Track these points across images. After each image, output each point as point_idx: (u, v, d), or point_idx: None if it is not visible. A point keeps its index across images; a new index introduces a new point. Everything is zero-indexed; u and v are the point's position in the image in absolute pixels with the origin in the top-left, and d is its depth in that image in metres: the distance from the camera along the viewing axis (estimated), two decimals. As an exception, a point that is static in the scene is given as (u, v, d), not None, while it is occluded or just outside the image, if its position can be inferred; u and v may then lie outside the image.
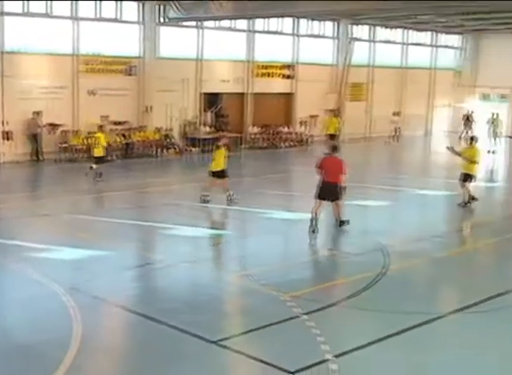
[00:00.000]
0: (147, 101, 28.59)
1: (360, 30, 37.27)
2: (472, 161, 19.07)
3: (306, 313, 10.27)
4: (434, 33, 41.24)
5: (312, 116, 34.88)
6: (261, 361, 8.69)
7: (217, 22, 30.19)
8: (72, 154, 26.56)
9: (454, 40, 42.74)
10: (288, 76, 34.05)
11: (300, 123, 34.36)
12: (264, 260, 13.54)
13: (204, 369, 8.61)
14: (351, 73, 36.02)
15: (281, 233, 16.34)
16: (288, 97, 34.52)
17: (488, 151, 32.11)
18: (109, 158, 24.40)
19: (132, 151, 27.74)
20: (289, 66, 34.03)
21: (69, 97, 26.86)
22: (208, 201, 18.60)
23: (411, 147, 35.48)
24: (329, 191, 15.70)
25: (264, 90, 33.01)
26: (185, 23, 29.36)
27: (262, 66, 32.88)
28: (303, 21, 33.94)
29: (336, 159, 15.96)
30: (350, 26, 36.00)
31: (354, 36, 36.46)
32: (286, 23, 33.41)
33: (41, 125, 25.93)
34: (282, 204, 19.46)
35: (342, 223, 16.06)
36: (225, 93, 31.72)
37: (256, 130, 32.54)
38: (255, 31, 32.25)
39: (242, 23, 31.46)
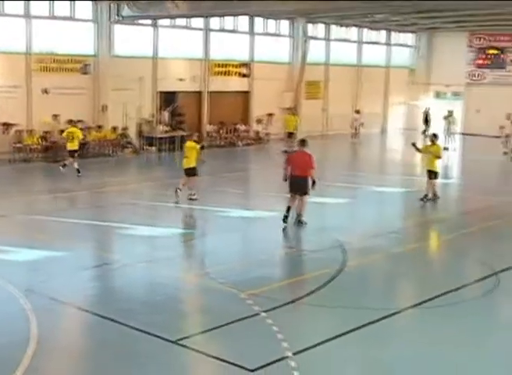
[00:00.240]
0: (102, 100, 28.33)
1: (316, 29, 37.43)
2: (437, 156, 19.42)
3: (265, 311, 10.29)
4: (388, 32, 41.64)
5: (269, 114, 34.96)
6: (221, 360, 8.69)
7: (172, 20, 30.04)
8: (27, 154, 26.18)
9: (408, 38, 43.23)
10: (244, 75, 34.07)
11: (257, 121, 34.40)
12: (222, 259, 13.53)
13: (164, 369, 8.57)
14: (307, 71, 36.18)
15: (239, 232, 16.35)
16: (245, 95, 34.54)
17: (444, 148, 32.54)
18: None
19: (88, 150, 27.41)
20: (245, 65, 34.05)
21: (22, 96, 26.46)
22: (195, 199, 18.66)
23: (370, 144, 35.78)
24: (297, 185, 15.92)
25: (221, 88, 32.99)
26: (140, 22, 29.16)
27: (219, 65, 32.84)
28: (258, 20, 33.98)
29: (304, 154, 16.13)
30: (305, 24, 36.11)
31: (310, 34, 36.60)
32: (242, 22, 33.39)
33: (-6, 125, 25.54)
34: (241, 202, 19.48)
35: (300, 222, 16.12)
36: (182, 91, 31.59)
37: (212, 128, 32.46)
38: (211, 30, 32.18)
39: (198, 22, 31.36)
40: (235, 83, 33.81)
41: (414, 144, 20.46)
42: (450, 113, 35.42)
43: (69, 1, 27.10)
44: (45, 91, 26.70)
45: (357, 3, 22.07)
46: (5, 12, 25.65)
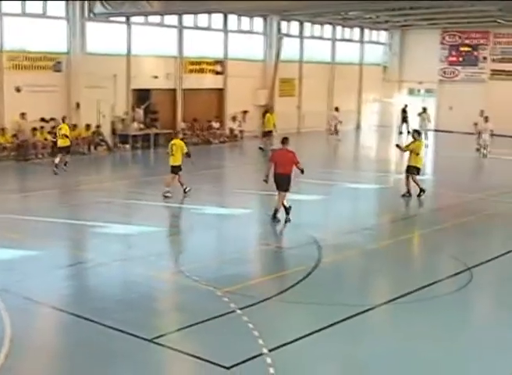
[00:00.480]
0: (75, 97, 28.09)
1: (290, 26, 37.47)
2: (417, 153, 19.65)
3: (241, 308, 10.31)
4: (361, 30, 41.81)
5: (243, 112, 34.96)
6: (198, 357, 8.70)
7: (146, 17, 29.87)
8: (-1, 152, 25.96)
9: (381, 36, 43.45)
10: (218, 72, 34.02)
11: (232, 118, 34.37)
12: (198, 256, 13.52)
13: (140, 368, 8.56)
14: (281, 68, 36.21)
15: (215, 229, 16.36)
16: (219, 92, 34.49)
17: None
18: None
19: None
20: (219, 62, 34.00)
21: (-6, 94, 26.23)
22: (167, 197, 18.78)
23: (345, 141, 35.80)
24: (280, 182, 16.18)
25: (195, 86, 32.91)
26: (113, 19, 28.97)
27: (193, 62, 32.75)
28: (232, 17, 33.94)
29: (286, 151, 16.34)
30: (279, 22, 36.14)
31: (284, 32, 36.65)
32: (216, 19, 33.33)
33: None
34: (216, 200, 19.49)
35: (274, 217, 16.21)
36: (156, 89, 31.47)
37: (185, 125, 32.35)
38: (185, 27, 32.08)
39: (171, 19, 31.24)
40: (209, 81, 33.75)
41: (398, 146, 20.75)
42: (424, 110, 35.68)
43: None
44: (17, 90, 26.44)
45: (328, 2, 22.26)
46: (-24, 10, 25.40)
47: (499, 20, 36.07)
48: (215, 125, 33.33)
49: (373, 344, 9.40)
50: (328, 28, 39.65)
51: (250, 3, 23.40)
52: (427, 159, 30.86)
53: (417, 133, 20.51)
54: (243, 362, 8.54)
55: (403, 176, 20.13)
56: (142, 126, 30.32)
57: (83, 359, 8.73)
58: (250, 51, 35.58)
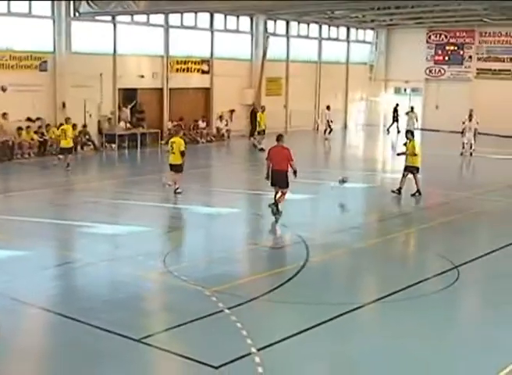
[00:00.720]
0: (61, 97, 27.99)
1: (277, 26, 37.47)
2: (411, 154, 19.81)
3: (229, 308, 10.30)
4: (348, 29, 41.87)
5: (230, 111, 34.94)
6: (186, 357, 8.69)
7: (132, 16, 29.79)
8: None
9: (368, 35, 43.52)
10: (205, 71, 33.98)
11: (219, 117, 34.33)
12: (186, 256, 13.53)
13: (128, 368, 8.54)
14: (268, 67, 36.23)
15: (203, 228, 16.34)
16: (206, 92, 34.46)
17: (404, 144, 32.81)
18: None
19: (46, 148, 27.03)
20: (206, 61, 33.95)
21: (-21, 94, 26.08)
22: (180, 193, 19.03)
23: (333, 140, 35.86)
24: (277, 179, 16.41)
25: (182, 85, 32.87)
26: (99, 18, 28.87)
27: (179, 61, 32.69)
28: (219, 16, 33.90)
29: (281, 148, 16.54)
30: (265, 21, 36.14)
31: (270, 31, 36.66)
32: (202, 18, 33.28)
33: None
34: (204, 199, 19.46)
35: (276, 211, 16.33)
36: (142, 88, 31.40)
37: (171, 125, 32.26)
38: (171, 26, 32.02)
39: (157, 18, 31.18)
40: (196, 80, 33.71)
41: (400, 154, 20.89)
42: (412, 109, 35.78)
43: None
44: (2, 89, 26.30)
45: (314, 2, 22.34)
46: (-39, 9, 25.23)
47: (485, 19, 36.28)
48: (202, 124, 33.28)
49: (361, 343, 9.42)
50: (314, 27, 39.69)
51: (236, 2, 23.42)
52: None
53: (409, 134, 20.65)
54: (232, 361, 8.54)
55: (401, 174, 20.15)
56: (128, 125, 30.25)
57: (71, 360, 8.69)
58: (237, 51, 35.56)
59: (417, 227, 16.53)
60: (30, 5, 26.94)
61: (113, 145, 29.03)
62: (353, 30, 42.30)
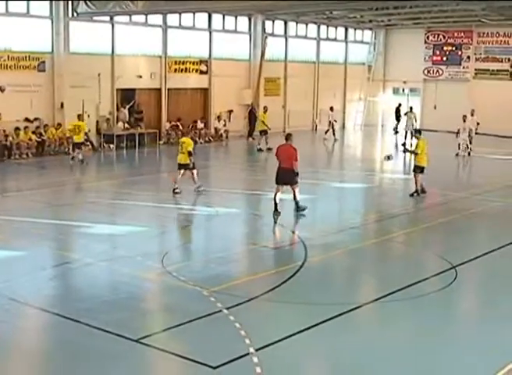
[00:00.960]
0: (59, 97, 27.99)
1: (275, 26, 37.47)
2: (419, 152, 19.95)
3: (227, 308, 10.30)
4: (346, 29, 41.88)
5: (228, 111, 34.95)
6: (184, 357, 8.69)
7: (130, 17, 29.78)
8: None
9: (366, 35, 43.53)
10: (203, 72, 33.98)
11: (217, 118, 34.32)
12: (184, 256, 13.53)
13: (126, 368, 8.54)
14: (266, 68, 36.23)
15: (201, 229, 16.34)
16: (204, 92, 34.46)
17: (402, 144, 32.84)
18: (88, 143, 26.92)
19: (44, 148, 27.00)
20: (204, 62, 33.94)
21: (-22, 94, 26.08)
22: (178, 193, 19.23)
23: (332, 141, 35.90)
24: (283, 176, 16.70)
25: (180, 85, 32.88)
26: (97, 18, 28.87)
27: (177, 62, 32.69)
28: (217, 16, 33.90)
29: (288, 147, 16.86)
30: (263, 21, 36.13)
31: (269, 31, 36.66)
32: (200, 19, 33.28)
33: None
34: (202, 199, 19.43)
35: (298, 207, 16.83)
36: (141, 88, 31.41)
37: (169, 125, 32.26)
38: (169, 26, 32.02)
39: (156, 18, 31.17)
40: (194, 80, 33.72)
41: (407, 151, 20.94)
42: (411, 109, 35.78)
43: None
44: (1, 89, 26.29)
45: (313, 2, 22.37)
46: (-41, 9, 25.21)
47: (482, 19, 36.30)
48: (200, 125, 33.27)
49: (360, 343, 9.42)
50: (312, 27, 39.71)
51: (234, 3, 23.40)
52: (412, 158, 31.08)
53: (418, 133, 20.73)
54: (230, 361, 8.54)
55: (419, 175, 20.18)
56: (127, 125, 30.24)
57: (69, 360, 8.69)
58: (235, 51, 35.57)
59: (415, 227, 16.54)
60: (28, 5, 26.95)
61: (111, 145, 29.00)
62: (351, 31, 42.33)
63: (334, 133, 35.29)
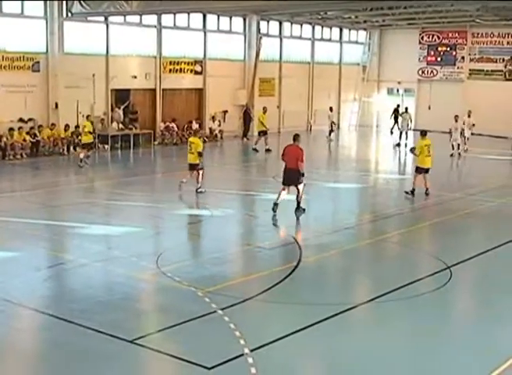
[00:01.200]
0: (53, 97, 27.95)
1: (270, 26, 37.47)
2: (423, 154, 20.25)
3: (222, 308, 10.29)
4: (340, 29, 41.91)
5: (223, 112, 34.94)
6: (179, 358, 8.67)
7: (125, 17, 29.75)
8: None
9: (360, 36, 43.58)
10: (198, 72, 33.96)
11: (212, 118, 34.30)
12: (179, 257, 13.49)
13: (121, 369, 8.52)
14: (261, 68, 36.24)
15: (196, 229, 16.33)
16: (198, 92, 34.45)
17: (398, 145, 32.91)
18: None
19: (38, 149, 26.94)
20: (199, 62, 33.92)
21: (-28, 94, 26.02)
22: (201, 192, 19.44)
23: (326, 141, 35.93)
24: (289, 177, 16.85)
25: (175, 85, 32.87)
26: (92, 18, 28.84)
27: (172, 62, 32.68)
28: (211, 17, 33.89)
29: (295, 148, 17.04)
30: (258, 22, 36.13)
31: (263, 31, 36.66)
32: (195, 19, 33.26)
33: None
34: (197, 200, 19.41)
35: (299, 208, 16.91)
36: (135, 89, 31.38)
37: (164, 126, 32.22)
38: (164, 27, 32.01)
39: (150, 19, 31.15)
40: (189, 81, 33.71)
41: (412, 150, 21.00)
42: (406, 110, 35.81)
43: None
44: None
45: (308, 2, 22.40)
46: (-47, 9, 25.15)
47: (477, 20, 36.36)
48: (195, 125, 33.21)
49: (355, 343, 9.42)
50: (307, 28, 39.74)
51: (229, 3, 23.39)
52: (408, 158, 31.14)
53: (421, 133, 20.82)
54: (225, 362, 8.53)
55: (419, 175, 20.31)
56: (121, 126, 30.20)
57: (63, 361, 8.67)
58: (230, 51, 35.57)
59: (410, 228, 16.55)
60: (22, 5, 26.91)
61: (106, 146, 28.96)
62: (345, 31, 42.38)
63: (330, 134, 35.31)
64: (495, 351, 9.24)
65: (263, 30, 36.76)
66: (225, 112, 35.07)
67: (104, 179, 22.98)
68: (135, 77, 31.04)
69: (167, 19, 31.94)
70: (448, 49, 41.20)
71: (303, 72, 39.75)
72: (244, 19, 35.77)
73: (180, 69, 33.16)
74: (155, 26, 31.66)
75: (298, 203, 17.02)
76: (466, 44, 40.52)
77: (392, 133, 38.58)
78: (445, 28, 40.48)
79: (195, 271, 12.56)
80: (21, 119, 27.03)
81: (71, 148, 27.94)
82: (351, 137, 40.21)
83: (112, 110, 30.35)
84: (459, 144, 29.30)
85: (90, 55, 29.17)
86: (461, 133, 29.66)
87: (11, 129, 26.19)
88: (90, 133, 24.82)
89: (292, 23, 38.62)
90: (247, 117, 35.44)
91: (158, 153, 29.89)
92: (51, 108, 27.98)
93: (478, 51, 40.23)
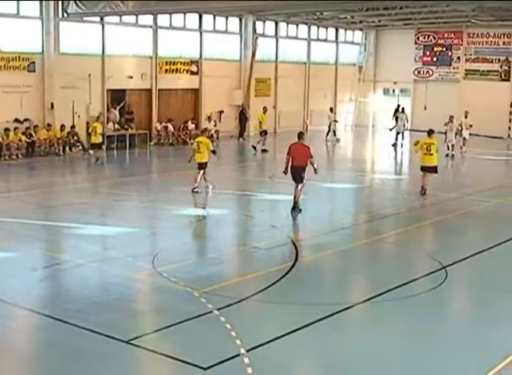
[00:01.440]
0: (49, 98, 27.89)
1: (266, 26, 37.47)
2: (423, 153, 20.32)
3: (218, 309, 10.28)
4: (336, 30, 41.93)
5: (219, 112, 34.91)
6: (175, 358, 8.66)
7: (121, 17, 29.72)
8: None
9: (356, 36, 43.61)
10: (194, 72, 33.95)
11: (208, 118, 34.26)
12: (175, 257, 13.47)
13: (116, 369, 8.51)
14: (257, 68, 36.23)
15: (191, 229, 16.31)
16: (194, 93, 34.43)
17: (395, 145, 32.90)
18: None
19: (34, 149, 26.89)
20: (195, 62, 33.91)
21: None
22: (197, 193, 19.48)
23: (322, 141, 35.91)
24: (294, 174, 17.08)
25: (171, 86, 32.86)
26: (88, 19, 28.80)
27: (168, 62, 32.66)
28: (207, 17, 33.87)
29: (301, 145, 17.25)
30: (254, 22, 36.12)
31: (259, 32, 36.66)
32: (191, 19, 33.25)
33: None
34: (193, 200, 19.40)
35: (295, 207, 17.05)
36: (131, 89, 31.35)
37: (160, 126, 32.17)
38: (160, 27, 31.99)
39: (146, 19, 31.13)
40: (184, 81, 33.69)
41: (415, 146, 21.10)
42: (402, 110, 35.81)
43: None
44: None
45: (304, 2, 22.37)
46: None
47: (473, 20, 36.42)
48: (191, 125, 33.20)
49: (350, 343, 9.43)
50: (303, 28, 39.76)
51: (226, 3, 23.38)
52: (404, 158, 31.22)
53: (428, 132, 20.84)
54: (221, 362, 8.52)
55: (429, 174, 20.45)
56: (117, 126, 30.17)
57: (59, 362, 8.65)
58: (226, 51, 35.56)
59: (406, 228, 16.55)
60: (18, 5, 26.86)
61: (102, 146, 28.85)
62: (341, 31, 42.41)
63: (328, 134, 35.29)
64: (490, 350, 9.25)
65: (259, 30, 36.75)
66: (221, 112, 35.05)
67: (100, 179, 22.95)
68: (131, 77, 31.02)
69: (163, 20, 31.92)
70: (444, 49, 41.23)
71: (299, 72, 39.75)
72: (240, 20, 35.77)
73: (176, 69, 33.14)
74: (151, 27, 31.64)
75: (295, 203, 17.05)
76: (462, 45, 40.57)
77: (391, 130, 38.54)
78: (441, 28, 40.52)
79: (191, 271, 12.55)
80: (17, 120, 26.99)
81: (67, 148, 27.87)
82: (347, 138, 40.18)
83: (108, 110, 30.31)
84: (453, 145, 29.29)
85: (86, 56, 29.13)
86: (457, 134, 29.68)
87: (6, 129, 26.15)
88: (100, 134, 25.61)
89: (288, 23, 38.64)
90: (242, 117, 35.46)
91: (154, 153, 29.88)
92: (46, 109, 27.93)
93: (474, 51, 40.27)
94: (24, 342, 9.55)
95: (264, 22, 37.15)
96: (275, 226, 16.17)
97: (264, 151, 29.61)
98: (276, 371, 8.55)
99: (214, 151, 20.05)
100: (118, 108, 30.56)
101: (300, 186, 17.15)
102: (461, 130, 30.05)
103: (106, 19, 29.37)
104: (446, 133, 29.58)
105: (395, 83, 42.79)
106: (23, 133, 26.69)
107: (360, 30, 43.14)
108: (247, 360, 8.56)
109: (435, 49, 41.51)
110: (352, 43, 43.44)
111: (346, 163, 29.03)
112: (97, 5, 25.59)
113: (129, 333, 9.31)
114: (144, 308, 11.15)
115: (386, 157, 31.98)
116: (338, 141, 35.15)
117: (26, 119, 27.28)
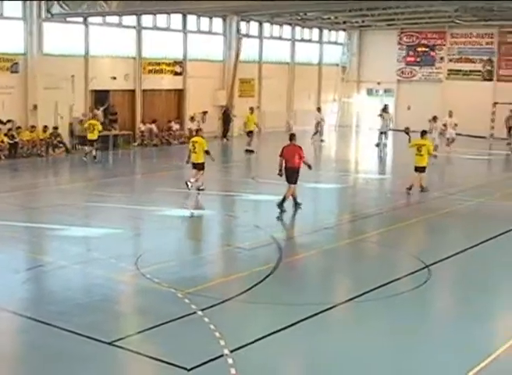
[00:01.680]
0: (32, 99, 27.75)
1: (250, 27, 37.46)
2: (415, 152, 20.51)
3: (202, 309, 10.28)
4: (320, 30, 42.00)
5: (203, 112, 34.87)
6: (158, 359, 8.66)
7: (104, 18, 29.61)
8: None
9: (340, 36, 43.69)
10: (178, 73, 33.89)
11: (191, 118, 34.20)
12: (158, 258, 13.44)
13: (99, 371, 8.48)
14: (241, 69, 36.22)
15: (175, 230, 16.28)
16: (178, 93, 34.37)
17: (378, 145, 32.99)
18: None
19: (17, 150, 26.74)
20: (178, 63, 33.85)
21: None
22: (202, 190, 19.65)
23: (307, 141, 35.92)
24: (290, 175, 17.33)
25: (155, 86, 32.78)
26: (71, 19, 28.67)
27: (152, 63, 32.58)
28: (191, 17, 33.83)
29: (293, 147, 17.49)
30: (238, 22, 36.10)
31: (243, 32, 36.65)
32: (175, 20, 33.20)
33: None
34: (177, 201, 19.38)
35: (281, 205, 17.15)
36: (115, 90, 31.25)
37: (144, 127, 32.08)
38: (143, 28, 31.91)
39: (130, 19, 31.04)
40: (168, 82, 33.62)
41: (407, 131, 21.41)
42: (387, 110, 35.86)
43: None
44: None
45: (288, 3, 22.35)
46: None
47: (456, 20, 36.60)
48: (175, 126, 33.15)
49: (334, 343, 9.46)
50: (287, 28, 39.79)
51: (210, 3, 23.32)
52: (388, 158, 31.31)
53: (421, 133, 20.98)
54: (205, 363, 8.52)
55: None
56: (101, 127, 29.99)
57: (41, 364, 8.62)
58: (210, 52, 35.52)
59: (389, 227, 16.62)
60: (1, 5, 26.69)
61: (85, 147, 28.77)
62: (325, 32, 42.47)
63: (315, 134, 35.27)
64: (473, 348, 9.31)
65: (243, 30, 36.74)
66: (205, 112, 35.00)
67: (83, 180, 22.86)
68: (115, 78, 30.90)
69: (147, 20, 31.83)
70: (427, 50, 41.42)
71: (283, 72, 39.79)
72: (224, 20, 35.73)
73: (160, 70, 33.07)
74: (135, 27, 31.55)
75: (283, 200, 17.16)
76: (445, 45, 40.77)
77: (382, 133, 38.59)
78: (424, 29, 40.70)
79: (175, 272, 12.53)
80: (-1, 121, 26.86)
81: (49, 149, 27.74)
82: (331, 138, 40.23)
83: (92, 111, 30.17)
84: (437, 145, 29.36)
85: (70, 56, 28.99)
86: (441, 134, 29.78)
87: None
88: (98, 131, 26.26)
89: (272, 24, 38.66)
90: (226, 118, 35.44)
91: (138, 154, 29.81)
92: (29, 110, 27.78)
93: (457, 51, 40.47)
94: (6, 344, 9.50)
95: (248, 22, 37.15)
96: (258, 226, 16.18)
97: (249, 151, 29.64)
98: (260, 371, 8.56)
99: (207, 152, 19.89)
100: (101, 109, 30.43)
101: (292, 186, 17.35)
102: (445, 129, 30.13)
103: (90, 19, 29.25)
104: (429, 132, 29.63)
105: (378, 83, 42.91)
106: (6, 135, 26.53)
107: (344, 30, 43.23)
108: (230, 361, 8.57)
109: (419, 49, 41.69)
110: (336, 43, 43.51)
111: (331, 163, 29.10)
112: (81, 5, 25.45)
113: (112, 335, 9.29)
114: (128, 310, 11.13)
115: (370, 157, 32.06)
116: (322, 141, 35.18)
117: (8, 121, 27.10)
